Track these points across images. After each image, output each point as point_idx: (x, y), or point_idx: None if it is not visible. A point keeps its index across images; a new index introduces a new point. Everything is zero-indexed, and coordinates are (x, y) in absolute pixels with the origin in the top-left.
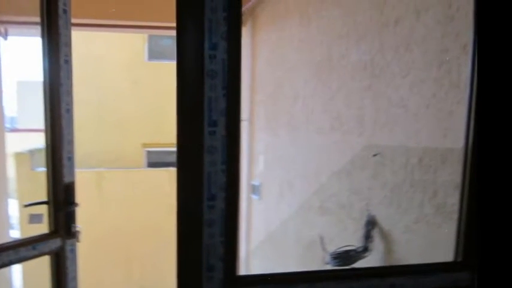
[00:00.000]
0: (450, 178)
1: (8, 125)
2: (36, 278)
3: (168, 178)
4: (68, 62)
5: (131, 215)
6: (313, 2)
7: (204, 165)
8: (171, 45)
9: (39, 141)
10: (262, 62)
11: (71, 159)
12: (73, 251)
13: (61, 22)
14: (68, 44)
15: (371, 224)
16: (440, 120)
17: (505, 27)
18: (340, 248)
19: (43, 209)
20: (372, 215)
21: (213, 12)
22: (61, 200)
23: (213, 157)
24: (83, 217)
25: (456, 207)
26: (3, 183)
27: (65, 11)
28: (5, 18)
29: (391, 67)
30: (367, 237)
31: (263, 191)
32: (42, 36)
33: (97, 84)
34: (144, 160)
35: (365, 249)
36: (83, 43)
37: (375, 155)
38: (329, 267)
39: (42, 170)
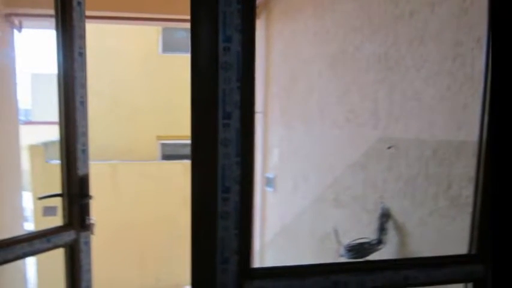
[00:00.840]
0: (464, 171)
1: (22, 118)
2: (50, 270)
3: (182, 170)
4: (82, 54)
5: (145, 208)
6: None
7: (218, 157)
8: (185, 37)
9: (53, 133)
10: (277, 55)
11: (85, 151)
12: (87, 243)
13: (75, 14)
14: (82, 37)
15: (385, 216)
16: (454, 113)
17: None
18: (355, 240)
19: (57, 202)
20: (386, 207)
21: (227, 5)
22: (75, 193)
23: (227, 149)
24: (97, 209)
25: (470, 200)
26: (17, 176)
27: (79, 3)
28: (19, 10)
29: (405, 60)
30: (382, 229)
31: (277, 184)
32: (57, 29)
33: (111, 76)
34: (158, 152)
35: (379, 242)
36: (97, 35)
37: (389, 148)
38: (343, 259)
39: (56, 162)
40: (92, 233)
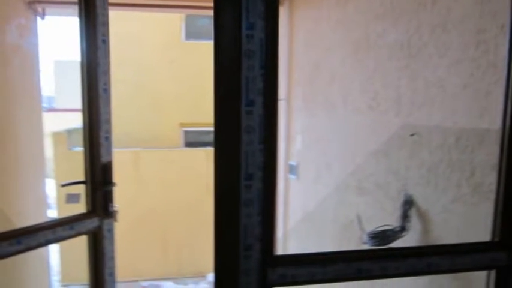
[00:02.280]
0: (487, 158)
1: (45, 105)
2: (73, 258)
3: (205, 158)
4: (105, 41)
5: (168, 195)
6: None
7: (242, 144)
8: (208, 25)
9: (76, 120)
10: (300, 42)
11: (108, 138)
12: (110, 230)
13: (98, 2)
14: (105, 24)
15: (408, 203)
16: (477, 100)
17: None
18: (378, 227)
19: (80, 189)
20: (409, 194)
21: None
22: (98, 180)
23: (250, 137)
24: (120, 197)
25: (493, 187)
26: (40, 163)
27: None
28: None
29: (428, 47)
30: (405, 217)
31: (300, 171)
32: (80, 16)
33: (134, 64)
34: (181, 140)
35: (402, 229)
36: (120, 23)
37: (412, 135)
38: (366, 247)
39: (79, 149)
40: (115, 220)
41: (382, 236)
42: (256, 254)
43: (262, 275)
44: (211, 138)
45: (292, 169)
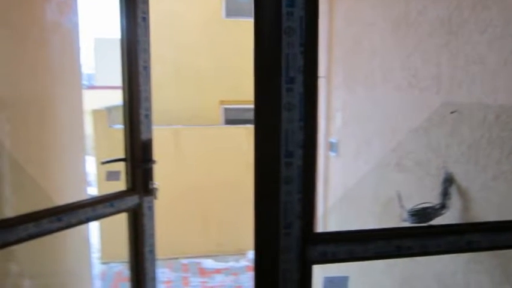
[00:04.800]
0: None
1: (85, 82)
2: (113, 235)
3: (245, 135)
4: (146, 19)
5: (208, 172)
6: None
7: (282, 122)
8: (249, 2)
9: (116, 98)
10: (340, 19)
11: (148, 116)
12: (150, 208)
13: None
14: (145, 1)
15: (448, 181)
16: None
17: None
18: (418, 205)
19: (120, 166)
20: (449, 172)
21: None
22: (138, 157)
23: (290, 114)
24: (160, 174)
25: None
26: (80, 141)
27: None
28: None
29: (468, 24)
30: (445, 194)
31: (340, 148)
32: None
33: (174, 41)
34: (221, 117)
35: (442, 207)
36: (161, 0)
37: (452, 112)
38: (406, 224)
39: (119, 127)
40: (155, 198)
41: (422, 214)
42: (296, 231)
43: (302, 253)
44: (251, 115)
45: (332, 146)
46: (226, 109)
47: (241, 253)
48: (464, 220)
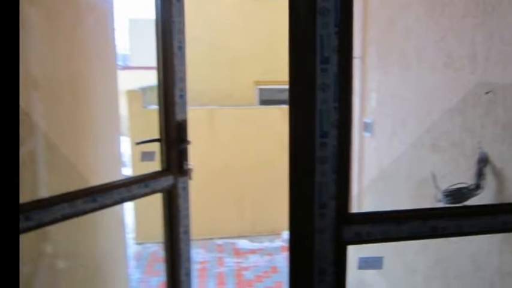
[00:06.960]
0: None
1: (120, 63)
2: (148, 216)
3: (280, 115)
4: None
5: (243, 153)
6: None
7: (316, 102)
8: None
9: (151, 78)
10: (375, 1)
11: (183, 96)
12: (185, 188)
13: None
14: None
15: (483, 161)
16: None
17: None
18: (452, 185)
19: (155, 147)
20: (484, 152)
21: None
22: (173, 138)
23: (325, 94)
24: (195, 155)
25: None
26: (115, 121)
27: None
28: None
29: (503, 4)
30: (479, 174)
31: (375, 129)
32: None
33: (209, 22)
34: (256, 98)
35: (477, 187)
36: None
37: (487, 93)
38: (441, 204)
39: (154, 107)
40: (189, 178)
41: (457, 194)
42: (331, 212)
43: (337, 233)
44: (286, 96)
45: (366, 126)
46: (260, 89)
47: (276, 233)
48: (499, 200)
